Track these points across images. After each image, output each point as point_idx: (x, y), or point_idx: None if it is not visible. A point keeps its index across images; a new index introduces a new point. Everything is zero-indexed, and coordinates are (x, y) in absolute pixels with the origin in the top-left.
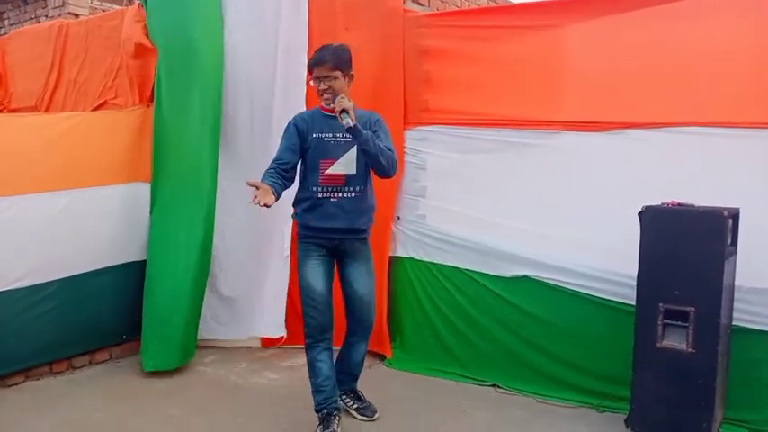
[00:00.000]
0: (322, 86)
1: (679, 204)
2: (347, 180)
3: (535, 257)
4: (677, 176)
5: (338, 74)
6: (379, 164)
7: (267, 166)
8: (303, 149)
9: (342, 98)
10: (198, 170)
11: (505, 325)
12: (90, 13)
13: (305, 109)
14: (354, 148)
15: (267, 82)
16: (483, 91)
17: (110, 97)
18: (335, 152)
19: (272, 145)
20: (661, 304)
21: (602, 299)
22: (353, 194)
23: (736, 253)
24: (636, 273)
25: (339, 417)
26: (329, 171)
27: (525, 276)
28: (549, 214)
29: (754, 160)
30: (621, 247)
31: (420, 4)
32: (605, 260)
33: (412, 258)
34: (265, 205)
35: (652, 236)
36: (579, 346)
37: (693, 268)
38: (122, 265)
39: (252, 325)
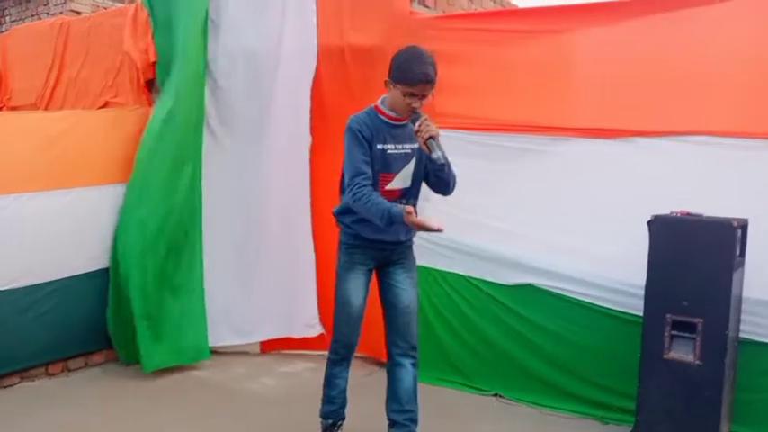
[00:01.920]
0: (417, 104)
1: (688, 214)
2: (403, 194)
3: (540, 265)
4: (686, 185)
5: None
6: (447, 186)
7: (348, 185)
8: None
9: (427, 120)
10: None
11: (509, 334)
12: (92, 11)
13: (308, 112)
14: (413, 162)
15: (268, 83)
16: (490, 95)
17: (110, 96)
18: (396, 166)
19: (269, 144)
20: (668, 315)
21: (608, 308)
22: None
23: (744, 264)
24: (643, 282)
25: (342, 427)
26: (388, 187)
27: (529, 284)
28: (554, 222)
29: (764, 170)
30: (628, 256)
31: (426, 6)
32: (612, 269)
33: None
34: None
35: (660, 245)
36: (584, 356)
37: (702, 279)
38: None
39: (281, 326)
